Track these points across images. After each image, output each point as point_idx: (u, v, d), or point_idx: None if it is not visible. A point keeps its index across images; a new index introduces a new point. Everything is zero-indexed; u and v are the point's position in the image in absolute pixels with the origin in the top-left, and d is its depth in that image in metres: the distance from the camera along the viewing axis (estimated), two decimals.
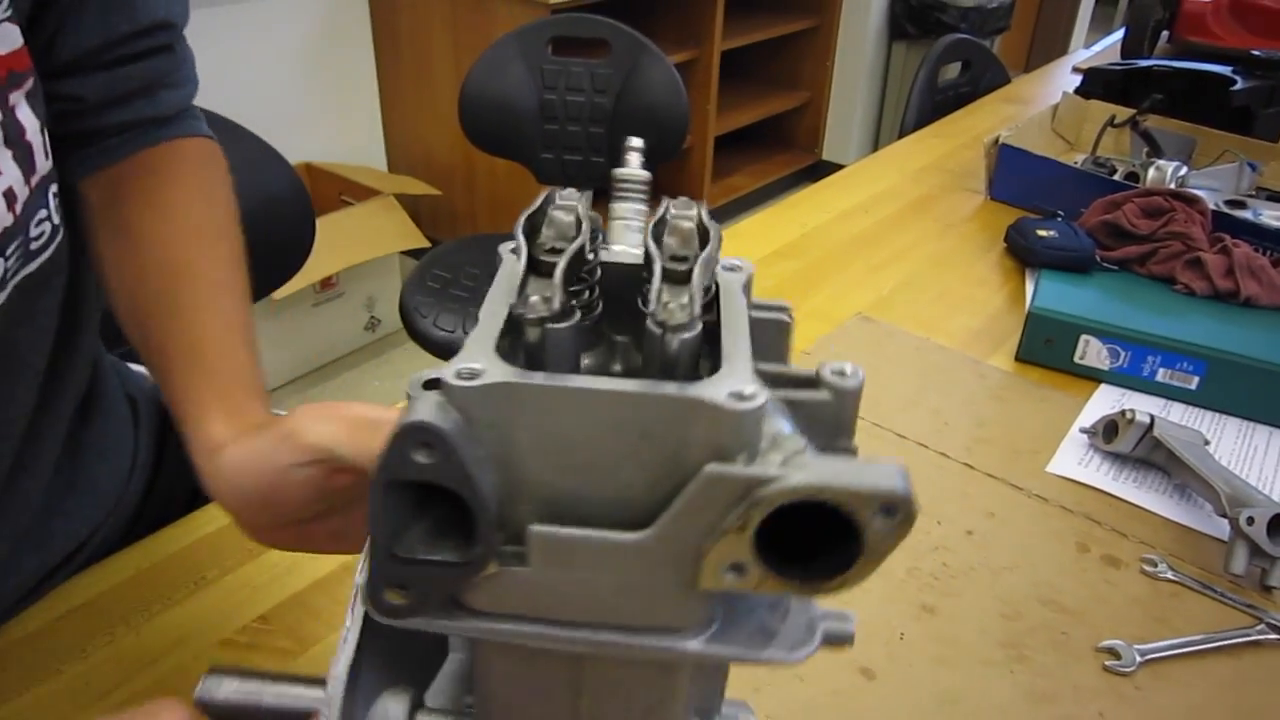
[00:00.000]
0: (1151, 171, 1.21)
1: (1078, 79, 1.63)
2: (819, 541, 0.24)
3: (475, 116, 1.83)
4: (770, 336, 0.30)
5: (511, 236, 0.28)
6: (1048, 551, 0.72)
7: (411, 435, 0.22)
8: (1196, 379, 0.89)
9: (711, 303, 0.29)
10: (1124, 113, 1.40)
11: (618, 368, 0.29)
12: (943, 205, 1.32)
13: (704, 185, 3.14)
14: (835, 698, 0.59)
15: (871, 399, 0.81)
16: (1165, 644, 0.64)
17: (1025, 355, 0.95)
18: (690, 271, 0.26)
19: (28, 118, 0.50)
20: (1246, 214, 1.13)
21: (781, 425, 0.25)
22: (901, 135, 1.67)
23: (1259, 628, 0.65)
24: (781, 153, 3.71)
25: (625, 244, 0.32)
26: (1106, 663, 0.63)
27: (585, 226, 0.27)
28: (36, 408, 0.59)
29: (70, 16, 0.54)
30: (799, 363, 0.28)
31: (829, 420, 0.26)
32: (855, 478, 0.22)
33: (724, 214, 3.21)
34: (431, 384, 0.25)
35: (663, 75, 1.82)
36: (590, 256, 0.29)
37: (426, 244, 2.40)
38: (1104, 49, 2.17)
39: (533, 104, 1.85)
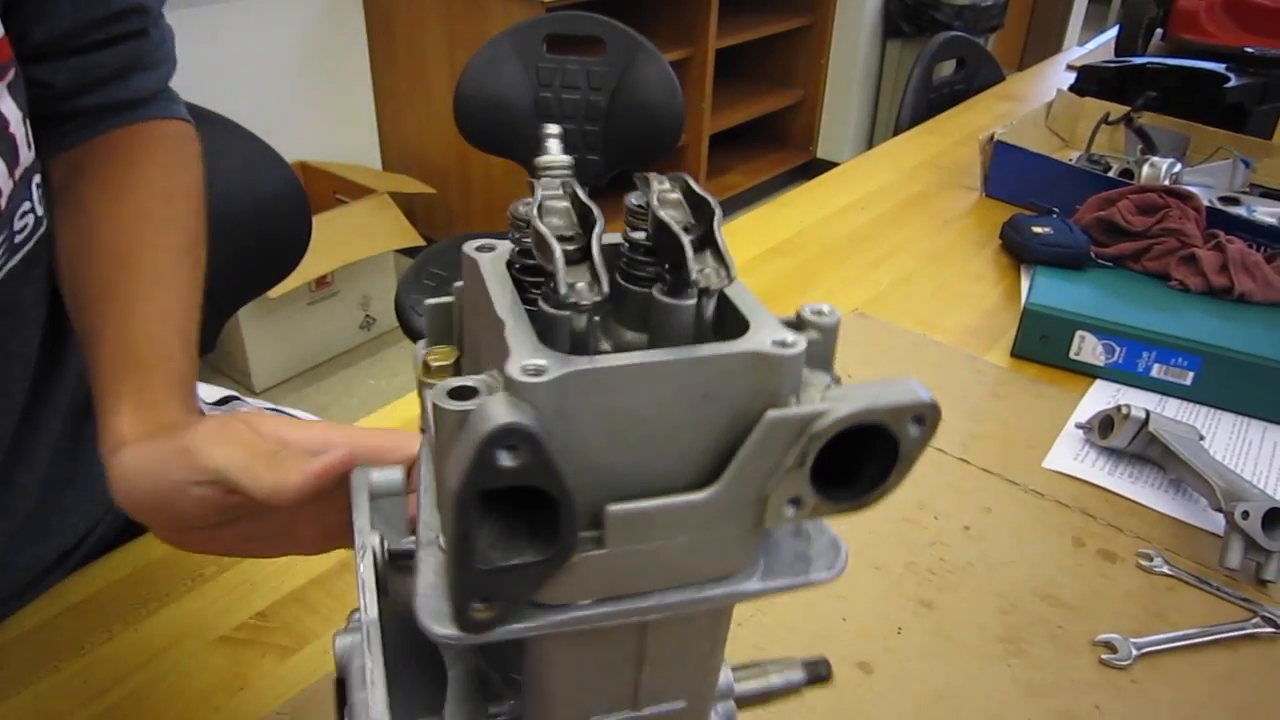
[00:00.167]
0: (1146, 168, 1.22)
1: (1072, 76, 1.63)
2: (849, 461, 0.26)
3: (470, 114, 1.82)
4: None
5: (476, 237, 0.29)
6: (1044, 546, 0.72)
7: (500, 439, 0.22)
8: (1191, 374, 0.89)
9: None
10: (1118, 110, 1.40)
11: (607, 346, 0.29)
12: (938, 202, 1.32)
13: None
14: (833, 692, 0.60)
15: None
16: (1161, 638, 0.64)
17: (1021, 351, 0.95)
18: (714, 235, 0.27)
19: (10, 109, 0.50)
20: (1240, 210, 1.13)
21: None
22: (896, 133, 1.67)
23: (1254, 621, 0.66)
24: (776, 151, 3.71)
25: None
26: (1103, 656, 0.63)
27: (595, 208, 0.27)
28: (30, 401, 0.59)
29: (41, 2, 0.54)
30: None
31: (819, 356, 0.27)
32: (892, 397, 0.24)
33: None
34: (461, 392, 0.25)
35: (658, 73, 1.82)
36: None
37: (422, 242, 2.40)
38: (1098, 47, 2.17)
39: (528, 102, 1.85)
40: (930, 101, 1.92)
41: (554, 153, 0.33)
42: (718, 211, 0.27)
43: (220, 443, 0.41)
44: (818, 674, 0.41)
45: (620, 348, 0.28)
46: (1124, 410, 0.80)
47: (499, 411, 0.22)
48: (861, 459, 0.26)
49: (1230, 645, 0.65)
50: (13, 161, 0.50)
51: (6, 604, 0.61)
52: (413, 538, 0.39)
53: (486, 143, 1.87)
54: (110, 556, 0.66)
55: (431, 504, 0.31)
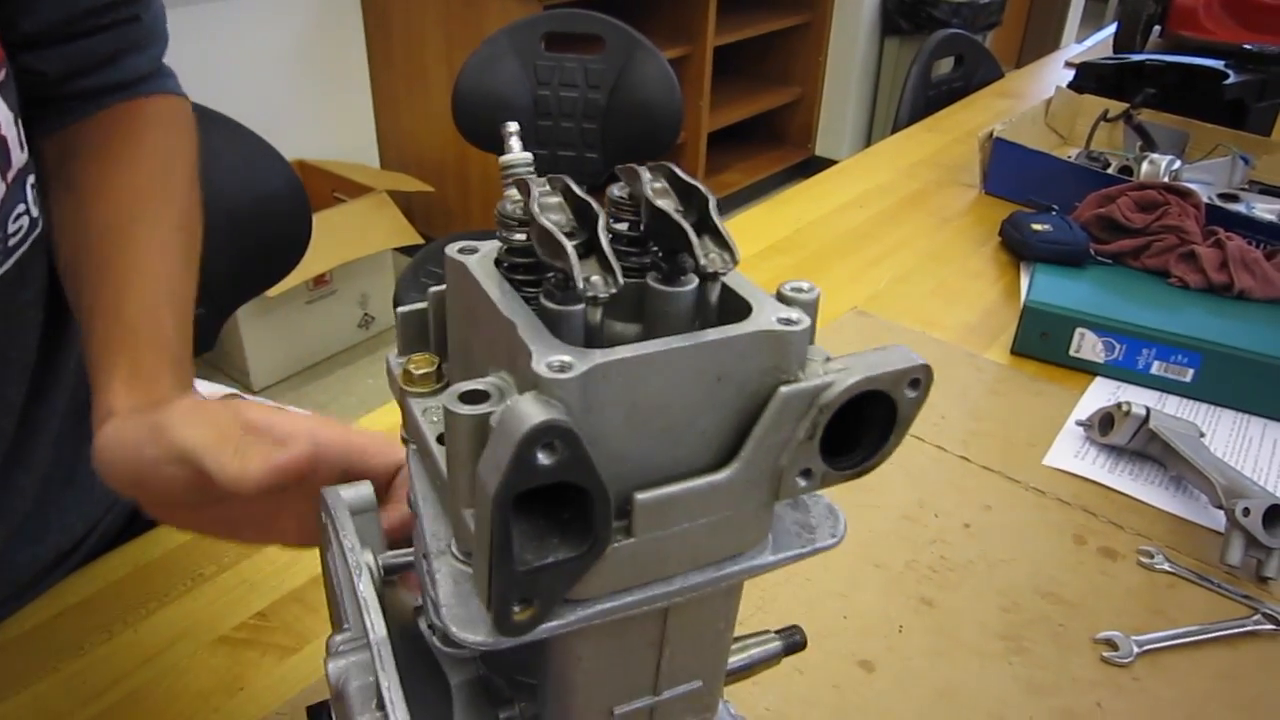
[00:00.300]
0: (1145, 165, 1.22)
1: (1070, 74, 1.63)
2: (846, 431, 0.27)
3: (468, 112, 1.82)
4: None
5: (475, 236, 0.29)
6: (1045, 544, 0.72)
7: (537, 439, 0.22)
8: (1191, 371, 0.89)
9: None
10: (1117, 107, 1.40)
11: (601, 339, 0.29)
12: (937, 200, 1.32)
13: None
14: (835, 691, 0.59)
15: None
16: (1162, 635, 0.64)
17: (1021, 349, 0.95)
18: (711, 220, 0.27)
19: (2, 111, 0.50)
20: (1240, 207, 1.13)
21: None
22: (895, 130, 1.67)
23: (1255, 618, 0.66)
24: (774, 149, 3.71)
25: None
26: (1104, 654, 0.63)
27: (594, 202, 0.27)
28: (28, 403, 0.58)
29: None
30: None
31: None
32: (891, 363, 0.26)
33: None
34: (473, 396, 0.25)
35: (657, 71, 1.82)
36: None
37: (420, 241, 2.39)
38: (1096, 44, 2.17)
39: (526, 100, 1.85)
40: (929, 99, 1.92)
41: (515, 150, 0.34)
42: (711, 198, 0.28)
43: (192, 424, 0.41)
44: (793, 642, 0.42)
45: (614, 340, 0.28)
46: (1124, 407, 0.80)
47: (533, 410, 0.22)
48: (857, 428, 0.27)
49: (1231, 642, 0.64)
50: (5, 164, 0.50)
51: (5, 604, 0.61)
52: (395, 552, 0.38)
53: (485, 141, 1.87)
54: (109, 556, 0.66)
55: (434, 514, 0.30)
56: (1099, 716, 0.59)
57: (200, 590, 0.64)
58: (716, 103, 3.15)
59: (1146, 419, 0.78)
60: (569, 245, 0.25)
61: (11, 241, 0.53)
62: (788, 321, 0.26)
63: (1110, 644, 0.63)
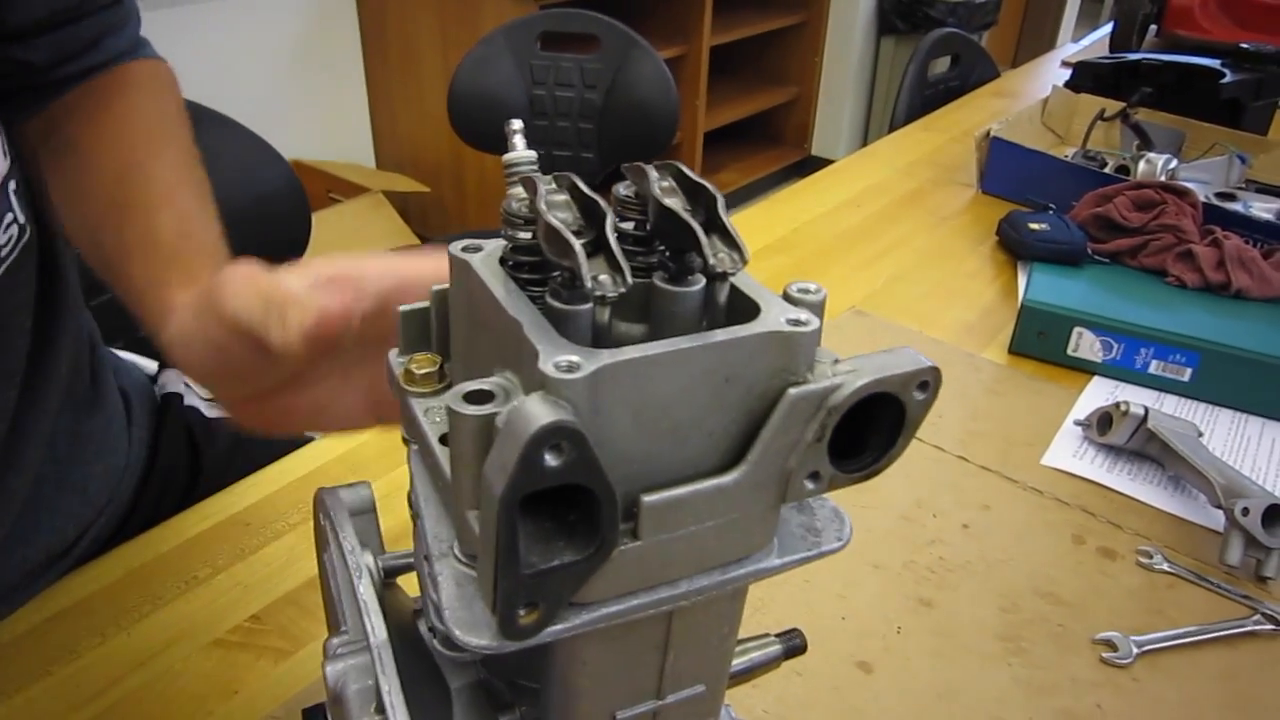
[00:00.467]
0: (1142, 164, 1.22)
1: (1067, 73, 1.63)
2: (852, 433, 0.27)
3: (464, 112, 1.82)
4: None
5: (471, 235, 0.29)
6: (1044, 544, 0.72)
7: (544, 440, 0.21)
8: (1189, 371, 0.89)
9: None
10: (1114, 106, 1.40)
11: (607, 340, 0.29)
12: (934, 199, 1.32)
13: None
14: (833, 692, 0.59)
15: None
16: (1161, 635, 0.64)
17: (1018, 348, 0.95)
18: (720, 219, 0.27)
19: None
20: (1237, 206, 1.13)
21: None
22: (891, 130, 1.67)
23: (1254, 618, 0.65)
24: (771, 148, 3.71)
25: None
26: (1103, 654, 0.63)
27: (600, 200, 0.27)
28: (19, 406, 0.58)
29: None
30: None
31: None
32: (899, 365, 0.26)
33: None
34: (477, 396, 0.24)
35: (653, 70, 1.81)
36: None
37: (416, 241, 2.39)
38: (1092, 43, 2.17)
39: (522, 100, 1.85)
40: (925, 98, 1.92)
41: (519, 149, 0.33)
42: (719, 197, 0.27)
43: (239, 294, 0.39)
44: (793, 645, 0.42)
45: (620, 340, 0.28)
46: (1123, 407, 0.79)
47: (540, 411, 0.22)
48: (864, 430, 0.27)
49: (1231, 642, 0.64)
50: None
51: None
52: (395, 553, 0.38)
53: (480, 141, 1.86)
54: (102, 559, 0.65)
55: (437, 515, 0.30)
56: (1098, 717, 0.59)
57: (194, 593, 0.63)
58: (713, 102, 3.15)
59: (1145, 418, 0.78)
60: (577, 244, 0.24)
61: (1, 251, 0.53)
62: (797, 323, 0.26)
63: (1110, 644, 0.63)
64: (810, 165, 3.56)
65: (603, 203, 0.26)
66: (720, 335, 0.25)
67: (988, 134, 1.29)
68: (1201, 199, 1.08)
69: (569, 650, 0.29)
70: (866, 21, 3.56)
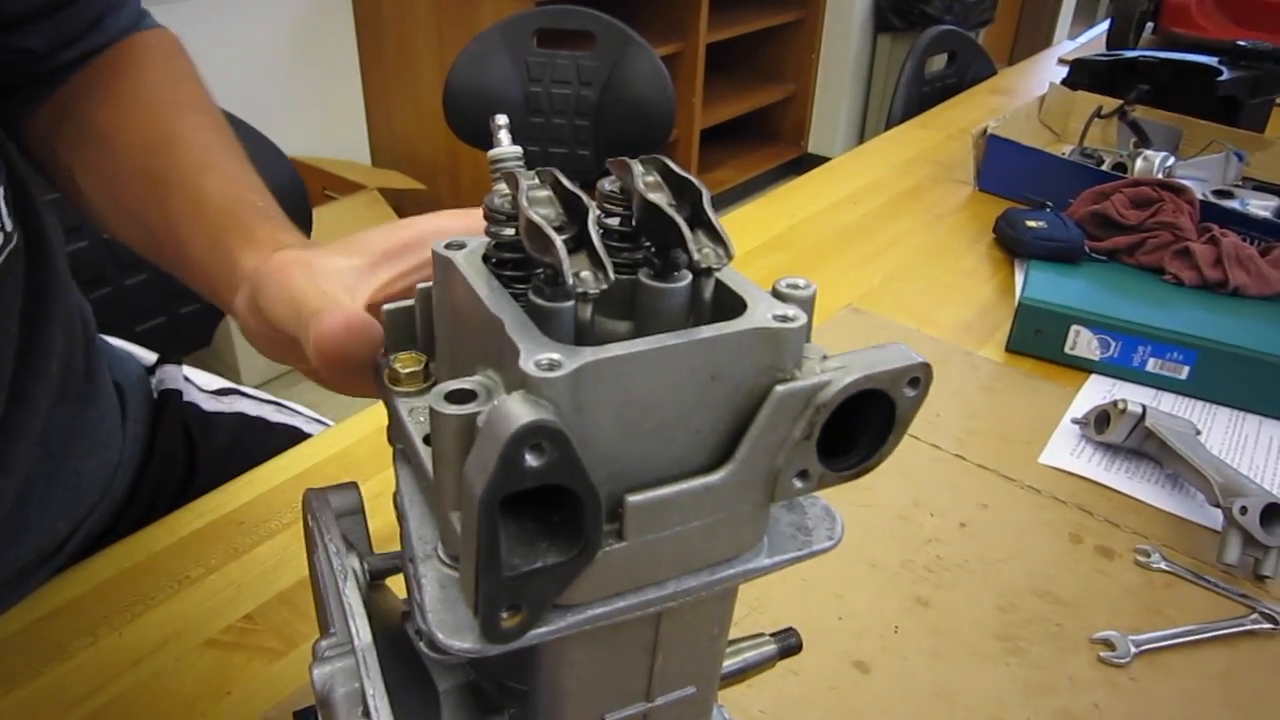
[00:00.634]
0: (1139, 162, 1.21)
1: (1064, 70, 1.63)
2: (842, 431, 0.26)
3: (460, 110, 1.81)
4: None
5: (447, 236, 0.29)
6: (1041, 543, 0.72)
7: (524, 440, 0.21)
8: (1187, 369, 0.89)
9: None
10: (1111, 104, 1.40)
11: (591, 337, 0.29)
12: (931, 196, 1.32)
13: None
14: (830, 692, 0.59)
15: None
16: (1159, 635, 0.64)
17: (1015, 346, 0.95)
18: (705, 214, 0.27)
19: None
20: (1234, 204, 1.13)
21: None
22: (888, 127, 1.67)
23: (1253, 617, 0.65)
24: (767, 146, 3.70)
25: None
26: (1101, 654, 0.62)
27: (584, 196, 0.26)
28: (8, 411, 0.57)
29: None
30: None
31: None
32: (890, 362, 0.25)
33: None
34: (459, 396, 0.24)
35: (649, 68, 1.81)
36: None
37: None
38: (1089, 41, 2.17)
39: (518, 97, 1.84)
40: (922, 95, 1.92)
41: (504, 144, 0.33)
42: (705, 192, 0.27)
43: (274, 296, 0.39)
44: (789, 645, 0.41)
45: (605, 337, 0.28)
46: (1120, 405, 0.79)
47: (520, 410, 0.21)
48: (854, 428, 0.27)
49: (1229, 641, 0.64)
50: None
51: None
52: (382, 554, 0.38)
53: (476, 138, 1.86)
54: (94, 559, 0.65)
55: (421, 517, 0.30)
56: (1096, 717, 0.58)
57: (187, 593, 0.63)
58: (709, 100, 3.15)
59: (1143, 417, 0.78)
60: (558, 240, 0.24)
61: None
62: (784, 318, 0.25)
63: (1108, 644, 0.63)
64: (806, 163, 3.56)
65: (585, 198, 0.26)
66: (706, 332, 0.24)
67: (985, 131, 1.29)
68: (1199, 196, 1.08)
69: (555, 652, 0.29)
70: (863, 19, 3.56)
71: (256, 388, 0.90)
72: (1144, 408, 0.78)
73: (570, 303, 0.26)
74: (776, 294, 0.27)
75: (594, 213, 0.26)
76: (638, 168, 0.27)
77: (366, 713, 0.30)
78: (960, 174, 1.38)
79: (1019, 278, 1.08)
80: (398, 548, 0.38)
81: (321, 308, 0.37)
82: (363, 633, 0.31)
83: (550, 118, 1.86)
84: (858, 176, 1.38)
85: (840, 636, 0.63)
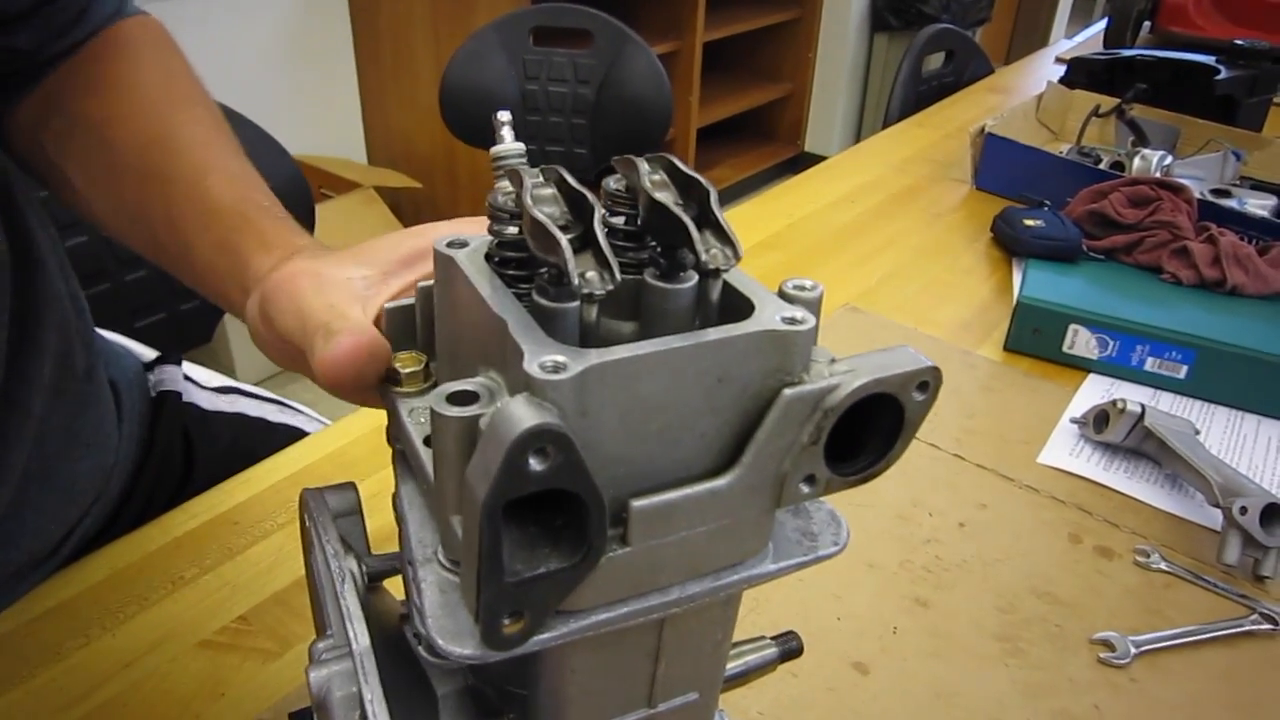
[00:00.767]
0: (1137, 161, 1.21)
1: (1061, 69, 1.63)
2: (849, 435, 0.26)
3: (456, 108, 1.81)
4: None
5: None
6: (1040, 543, 0.71)
7: (528, 444, 0.20)
8: (1185, 368, 0.88)
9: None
10: (1109, 102, 1.40)
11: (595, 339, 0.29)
12: (928, 195, 1.31)
13: None
14: (829, 693, 0.58)
15: None
16: (1159, 635, 0.63)
17: (1013, 345, 0.95)
18: (713, 214, 0.26)
19: None
20: (1232, 203, 1.12)
21: None
22: (885, 126, 1.66)
23: (1252, 618, 0.65)
24: (764, 145, 3.70)
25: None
26: (1101, 655, 0.62)
27: (589, 194, 0.26)
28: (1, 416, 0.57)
29: None
30: None
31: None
32: (899, 365, 0.25)
33: None
34: (461, 397, 0.24)
35: (646, 66, 1.81)
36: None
37: None
38: (1086, 40, 2.17)
39: (514, 95, 1.84)
40: (919, 94, 1.92)
41: (507, 140, 0.32)
42: (712, 191, 0.26)
43: (283, 309, 0.39)
44: (789, 648, 0.41)
45: (610, 338, 0.27)
46: (1119, 405, 0.79)
47: (524, 414, 0.21)
48: (861, 432, 0.26)
49: (1229, 642, 0.64)
50: None
51: None
52: (380, 555, 0.37)
53: (473, 136, 1.85)
54: (87, 559, 0.64)
55: (421, 519, 0.29)
56: (1097, 718, 0.58)
57: (181, 593, 0.62)
58: (706, 98, 3.14)
59: (1142, 416, 0.78)
60: (563, 239, 0.23)
61: None
62: (792, 321, 0.25)
63: (1107, 645, 0.63)
64: (803, 162, 3.56)
65: (590, 196, 0.26)
66: (713, 334, 0.24)
67: (983, 130, 1.29)
68: (1196, 195, 1.08)
69: (557, 659, 0.28)
70: (860, 18, 3.56)
71: (256, 384, 0.89)
72: (1143, 407, 0.78)
73: (575, 303, 0.25)
74: (783, 295, 0.27)
75: (600, 211, 0.25)
76: (644, 166, 0.27)
77: (364, 717, 0.29)
78: (958, 173, 1.37)
79: (1017, 277, 1.08)
80: (396, 549, 0.37)
81: (328, 322, 0.36)
82: (361, 637, 0.31)
83: (547, 116, 1.86)
84: (855, 175, 1.37)
85: (839, 637, 0.63)
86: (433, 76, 2.44)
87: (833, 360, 0.26)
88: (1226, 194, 1.16)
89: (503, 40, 1.82)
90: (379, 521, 0.41)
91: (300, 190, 1.13)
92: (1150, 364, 0.90)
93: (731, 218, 1.12)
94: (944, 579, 0.68)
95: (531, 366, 0.22)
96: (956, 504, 0.75)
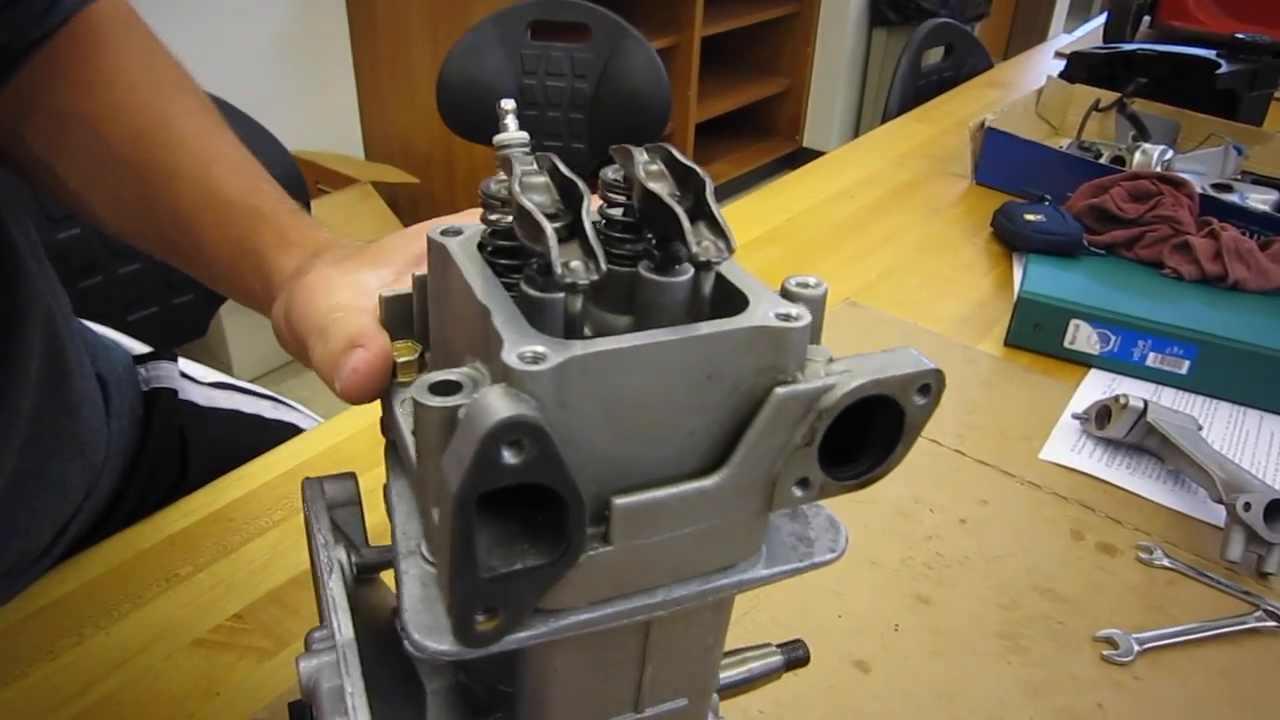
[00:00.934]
0: (1138, 155, 1.21)
1: (1060, 64, 1.62)
2: (848, 438, 0.25)
3: (453, 102, 1.80)
4: None
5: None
6: (1042, 539, 0.71)
7: (501, 435, 0.20)
8: (1187, 363, 0.88)
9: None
10: (1109, 97, 1.39)
11: (588, 331, 0.28)
12: (928, 190, 1.31)
13: None
14: (830, 691, 0.58)
15: None
16: (1162, 632, 0.63)
17: (1014, 340, 0.94)
18: (707, 205, 0.25)
19: None
20: (1233, 197, 1.12)
21: None
22: (885, 121, 1.66)
23: (1256, 614, 0.65)
24: (762, 140, 3.69)
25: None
26: (1104, 652, 0.62)
27: (580, 182, 0.25)
28: None
29: None
30: None
31: (812, 329, 0.27)
32: (898, 367, 0.24)
33: None
34: (443, 387, 0.23)
35: (644, 60, 1.80)
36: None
37: None
38: (1086, 34, 2.16)
39: (512, 89, 1.83)
40: (918, 89, 1.91)
41: (510, 129, 0.32)
42: (709, 182, 0.26)
43: (304, 314, 0.38)
44: (795, 657, 0.40)
45: (602, 331, 0.27)
46: (1122, 400, 0.78)
47: (499, 404, 0.20)
48: (860, 435, 0.25)
49: (1233, 639, 0.63)
50: None
51: None
52: (375, 548, 0.37)
53: (470, 131, 1.84)
54: (81, 556, 0.64)
55: (408, 511, 0.29)
56: (1100, 717, 0.58)
57: (175, 591, 0.62)
58: (704, 93, 3.13)
59: (1144, 412, 0.77)
60: (548, 227, 0.23)
61: None
62: (786, 317, 0.24)
63: (1110, 642, 0.62)
64: (802, 157, 3.55)
65: (581, 184, 0.25)
66: (703, 328, 0.23)
67: (982, 124, 1.28)
68: (1198, 190, 1.07)
69: (540, 658, 0.28)
70: (858, 13, 3.55)
71: (253, 381, 0.88)
72: (1145, 402, 0.78)
73: (561, 294, 0.25)
74: (785, 293, 0.26)
75: (589, 200, 0.25)
76: (640, 155, 0.26)
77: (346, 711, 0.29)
78: (957, 167, 1.37)
79: (1017, 271, 1.07)
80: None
81: (325, 326, 0.36)
82: (344, 629, 0.30)
83: (545, 110, 1.85)
84: (854, 170, 1.37)
85: (840, 635, 0.62)
86: (430, 71, 2.43)
87: (830, 359, 0.25)
88: (1228, 189, 1.15)
89: (500, 35, 1.81)
90: (378, 518, 0.40)
91: (296, 187, 1.13)
92: (1152, 359, 0.89)
93: (730, 212, 1.12)
94: (945, 576, 0.67)
95: (510, 357, 0.21)
96: (958, 500, 0.74)
